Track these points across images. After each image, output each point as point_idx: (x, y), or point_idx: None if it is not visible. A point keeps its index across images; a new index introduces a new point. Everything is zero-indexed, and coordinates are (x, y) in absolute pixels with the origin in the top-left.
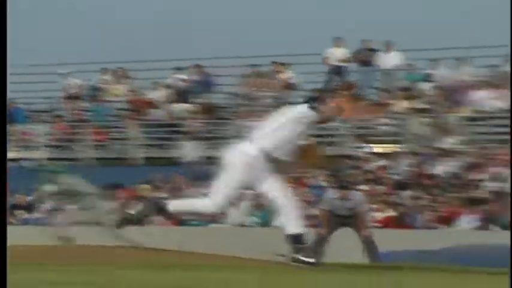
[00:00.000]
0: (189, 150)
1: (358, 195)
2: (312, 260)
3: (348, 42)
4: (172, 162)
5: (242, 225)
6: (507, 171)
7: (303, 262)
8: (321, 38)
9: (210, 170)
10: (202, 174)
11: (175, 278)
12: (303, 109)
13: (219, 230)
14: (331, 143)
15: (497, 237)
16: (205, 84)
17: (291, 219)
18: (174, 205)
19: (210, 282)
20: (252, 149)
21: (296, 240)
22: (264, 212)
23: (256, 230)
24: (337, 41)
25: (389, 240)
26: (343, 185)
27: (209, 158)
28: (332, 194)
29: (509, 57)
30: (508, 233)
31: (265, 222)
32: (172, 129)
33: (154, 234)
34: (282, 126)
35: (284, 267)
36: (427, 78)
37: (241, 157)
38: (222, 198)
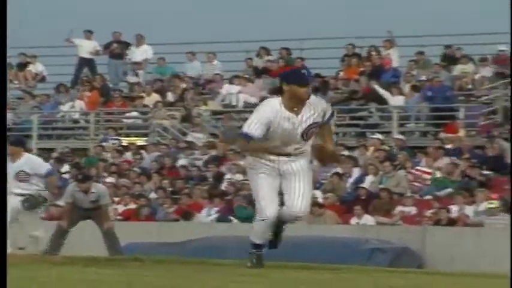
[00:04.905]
0: None
1: (101, 188)
2: None
3: (98, 35)
4: None
5: None
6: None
7: None
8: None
9: None
10: None
11: None
12: None
13: None
14: (77, 135)
15: (237, 229)
16: None
17: None
18: None
19: None
20: None
21: None
22: None
23: None
24: (87, 33)
25: (130, 233)
26: (86, 178)
27: None
28: (74, 186)
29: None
30: (241, 225)
31: None
32: None
33: None
34: None
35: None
36: (177, 72)
37: None
38: None
